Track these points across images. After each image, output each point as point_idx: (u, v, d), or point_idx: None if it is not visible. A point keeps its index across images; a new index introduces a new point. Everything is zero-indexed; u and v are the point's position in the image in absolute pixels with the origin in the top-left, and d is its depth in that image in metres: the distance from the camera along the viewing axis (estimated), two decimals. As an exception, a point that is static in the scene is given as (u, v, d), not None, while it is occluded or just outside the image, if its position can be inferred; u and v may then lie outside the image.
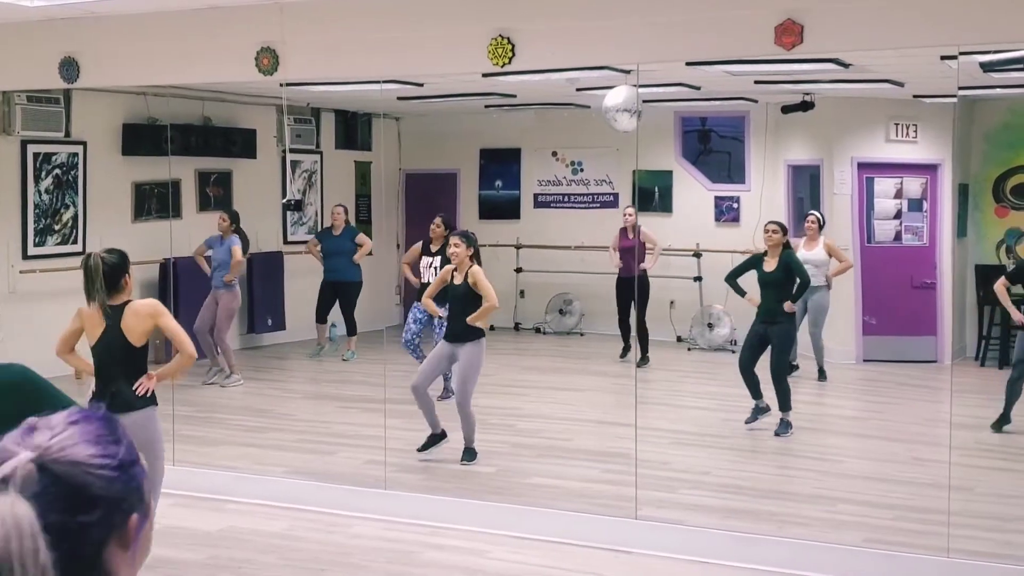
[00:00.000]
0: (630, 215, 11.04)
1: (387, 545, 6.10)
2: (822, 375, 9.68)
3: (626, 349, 10.93)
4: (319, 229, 11.75)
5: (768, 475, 7.55)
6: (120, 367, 5.22)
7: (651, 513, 6.23)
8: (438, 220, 9.23)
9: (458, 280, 7.54)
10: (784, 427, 8.14)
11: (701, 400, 9.67)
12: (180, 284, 10.07)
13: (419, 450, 7.53)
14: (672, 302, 11.40)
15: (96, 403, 5.22)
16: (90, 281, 5.17)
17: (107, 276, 5.18)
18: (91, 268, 5.18)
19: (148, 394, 5.22)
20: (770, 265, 8.20)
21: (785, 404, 8.15)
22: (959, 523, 5.75)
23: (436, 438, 7.61)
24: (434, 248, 8.98)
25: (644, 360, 10.75)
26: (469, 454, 7.56)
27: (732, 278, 8.45)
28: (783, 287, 8.18)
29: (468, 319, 7.41)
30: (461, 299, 7.49)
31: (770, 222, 8.46)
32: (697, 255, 11.18)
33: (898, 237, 10.94)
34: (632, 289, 10.88)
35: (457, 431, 7.56)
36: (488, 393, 10.02)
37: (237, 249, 9.95)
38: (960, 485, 6.11)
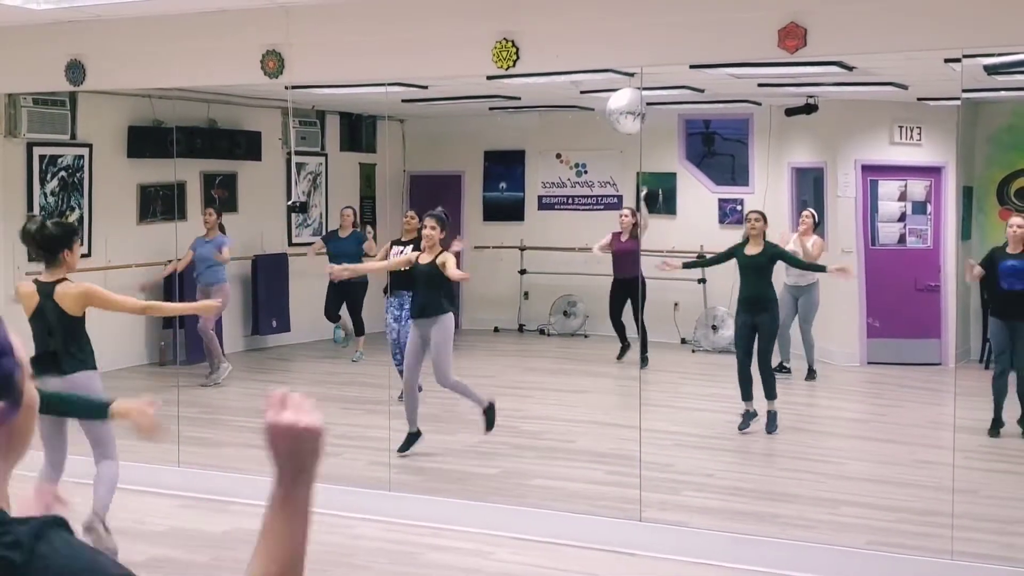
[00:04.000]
0: (626, 217, 11.07)
1: (390, 546, 6.11)
2: (811, 374, 9.70)
3: (624, 349, 11.00)
4: (324, 231, 11.78)
5: (771, 477, 7.56)
6: (54, 334, 5.48)
7: (655, 515, 6.25)
8: (412, 212, 9.28)
9: (425, 260, 7.60)
10: (773, 422, 8.20)
11: (705, 402, 9.67)
12: (185, 286, 10.10)
13: (399, 451, 7.56)
14: (676, 304, 11.40)
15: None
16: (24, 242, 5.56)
17: (41, 243, 5.46)
18: (26, 232, 5.49)
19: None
20: (753, 250, 8.27)
21: (771, 392, 8.22)
22: (962, 526, 5.75)
23: (414, 437, 7.67)
24: (405, 239, 9.01)
25: (644, 361, 10.81)
26: (488, 416, 7.63)
27: (706, 264, 8.59)
28: (765, 271, 8.29)
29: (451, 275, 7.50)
30: (427, 277, 7.57)
31: (752, 211, 8.59)
32: (701, 257, 11.18)
33: (902, 240, 10.94)
34: (626, 291, 10.92)
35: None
36: (492, 394, 10.03)
37: (227, 252, 9.96)
38: (963, 488, 6.11)
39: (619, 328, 10.97)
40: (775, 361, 9.66)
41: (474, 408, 7.72)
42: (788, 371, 9.75)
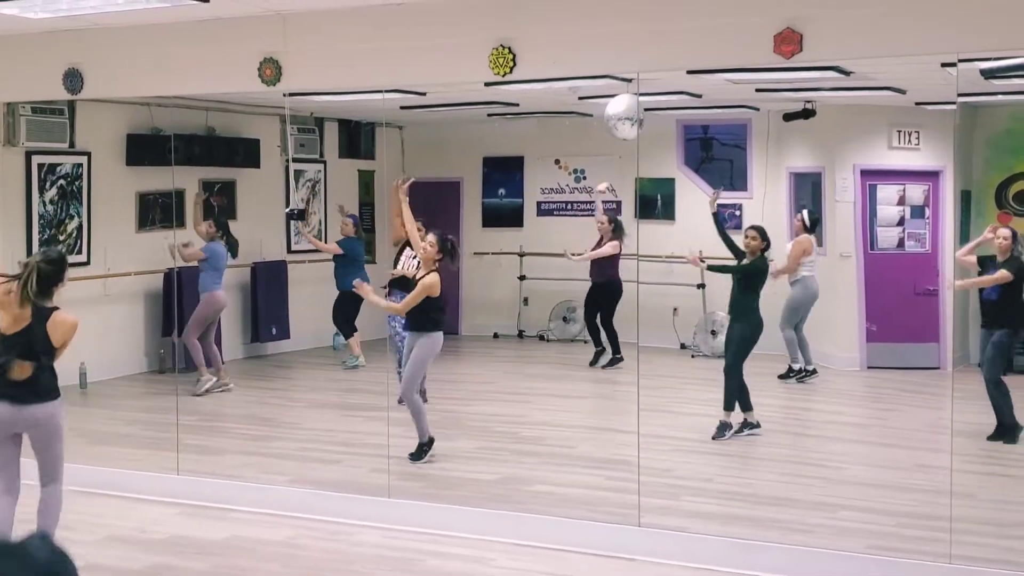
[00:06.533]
0: (602, 224, 11.25)
1: (389, 553, 6.11)
2: (803, 373, 9.71)
3: (598, 354, 11.04)
4: (323, 239, 11.79)
5: (770, 482, 7.55)
6: (38, 358, 5.48)
7: (654, 520, 6.24)
8: (419, 224, 9.32)
9: (420, 276, 7.66)
10: (743, 428, 8.16)
11: (704, 407, 9.64)
12: (184, 294, 10.10)
13: (412, 458, 7.57)
14: (675, 309, 11.41)
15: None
16: (26, 282, 5.46)
17: (40, 282, 5.45)
18: (28, 274, 5.47)
19: None
20: (745, 262, 8.31)
21: (746, 405, 8.20)
22: (961, 529, 5.76)
23: (425, 446, 7.70)
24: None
25: (617, 359, 10.87)
26: (420, 450, 7.61)
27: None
28: (746, 282, 8.26)
29: (356, 285, 7.60)
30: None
31: (750, 227, 8.56)
32: (703, 261, 11.19)
33: (901, 244, 10.96)
34: (603, 295, 10.99)
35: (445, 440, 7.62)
36: (491, 400, 10.07)
37: (197, 251, 10.03)
38: (962, 491, 6.11)
39: (595, 331, 11.20)
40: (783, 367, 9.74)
41: (450, 446, 7.74)
42: (815, 372, 9.74)
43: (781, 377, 9.70)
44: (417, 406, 7.61)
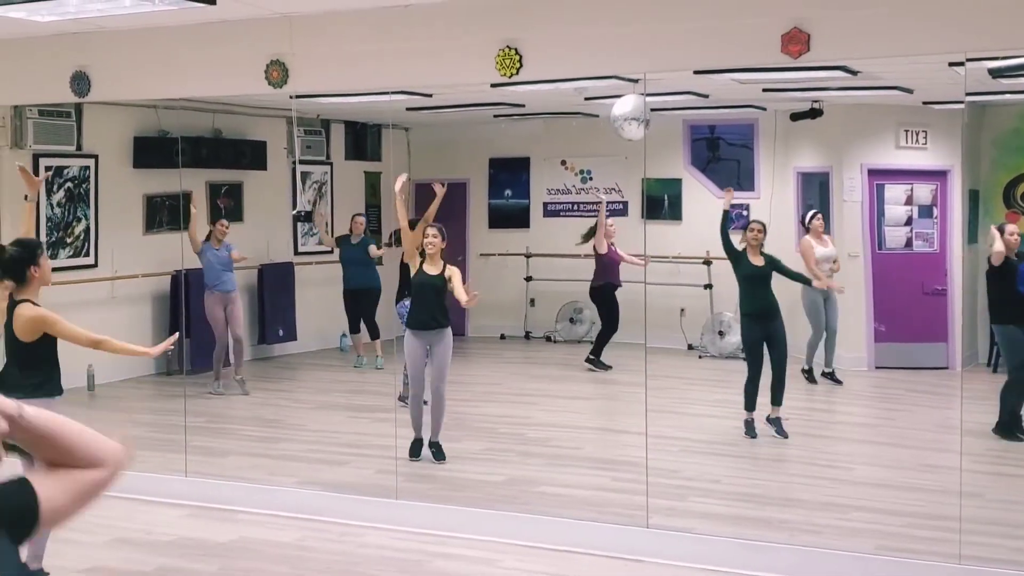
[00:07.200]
0: (610, 226, 11.29)
1: (396, 555, 6.11)
2: (835, 379, 9.69)
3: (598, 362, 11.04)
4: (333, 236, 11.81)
5: (779, 483, 7.54)
6: (10, 355, 5.38)
7: (661, 521, 6.24)
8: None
9: (433, 271, 7.67)
10: (782, 427, 8.17)
11: (712, 408, 9.66)
12: (192, 295, 10.12)
13: (411, 457, 7.60)
14: (682, 310, 11.39)
15: None
16: None
17: (5, 267, 5.32)
18: None
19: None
20: (758, 261, 8.25)
21: (780, 399, 8.19)
22: (970, 530, 5.73)
23: (420, 443, 7.74)
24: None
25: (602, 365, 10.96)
26: (439, 451, 7.65)
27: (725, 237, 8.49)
28: (769, 281, 8.26)
29: (459, 296, 7.55)
30: (435, 290, 7.64)
31: (754, 221, 8.54)
32: (707, 263, 11.17)
33: (909, 244, 10.92)
34: (609, 296, 10.98)
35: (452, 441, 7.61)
36: (498, 402, 10.06)
37: (238, 252, 10.08)
38: (971, 491, 6.08)
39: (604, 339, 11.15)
40: (811, 370, 9.71)
41: (432, 429, 7.76)
42: (840, 381, 9.72)
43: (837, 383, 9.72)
44: (444, 404, 7.68)
